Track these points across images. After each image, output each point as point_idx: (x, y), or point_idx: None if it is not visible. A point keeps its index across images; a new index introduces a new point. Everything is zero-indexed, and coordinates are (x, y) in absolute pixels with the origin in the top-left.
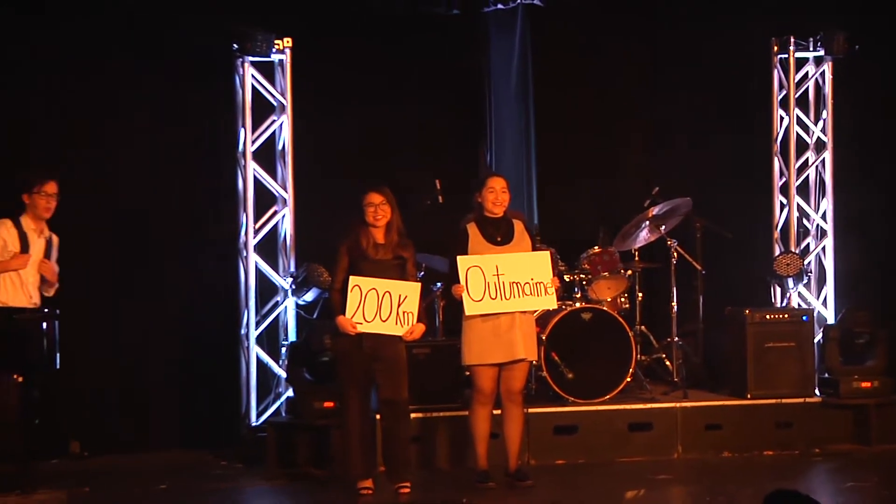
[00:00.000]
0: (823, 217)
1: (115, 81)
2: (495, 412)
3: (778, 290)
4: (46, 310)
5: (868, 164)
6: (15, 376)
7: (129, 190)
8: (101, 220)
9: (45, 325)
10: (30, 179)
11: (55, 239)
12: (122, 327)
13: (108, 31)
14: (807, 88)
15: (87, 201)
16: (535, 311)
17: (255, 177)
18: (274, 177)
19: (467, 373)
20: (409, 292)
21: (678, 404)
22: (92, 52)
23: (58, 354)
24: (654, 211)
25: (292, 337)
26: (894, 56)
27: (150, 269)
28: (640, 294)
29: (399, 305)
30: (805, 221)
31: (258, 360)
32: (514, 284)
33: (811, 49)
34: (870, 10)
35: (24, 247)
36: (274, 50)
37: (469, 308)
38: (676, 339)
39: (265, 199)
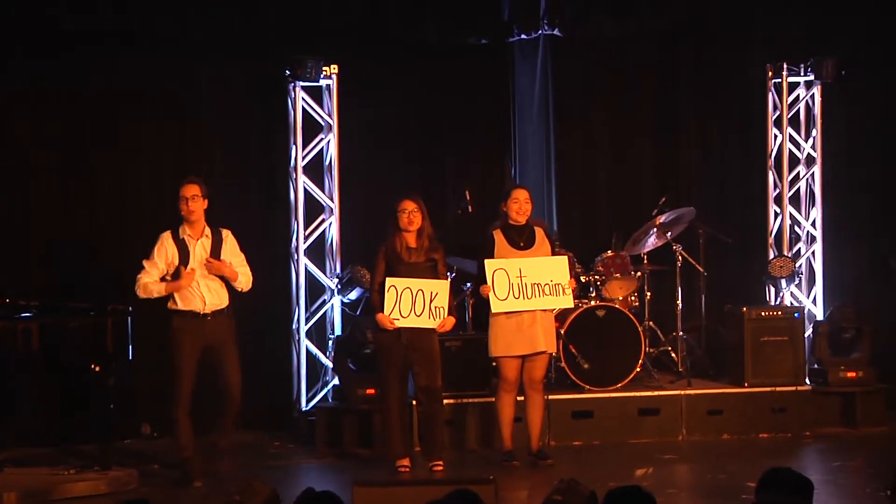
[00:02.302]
0: (813, 224)
1: (192, 98)
2: (519, 399)
3: (772, 289)
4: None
5: (853, 177)
6: (94, 366)
7: None
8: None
9: (119, 320)
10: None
11: (225, 234)
12: None
13: (188, 55)
14: (798, 109)
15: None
16: (555, 309)
17: (304, 188)
18: (322, 188)
19: (494, 363)
20: (440, 289)
21: (683, 392)
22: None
23: (130, 346)
24: (662, 219)
25: (338, 331)
26: (878, 80)
27: None
28: (649, 293)
29: (431, 301)
30: (797, 228)
31: (308, 352)
32: (536, 285)
33: (802, 74)
34: (857, 39)
35: (184, 255)
36: (322, 75)
37: (495, 306)
38: (681, 333)
39: (314, 209)
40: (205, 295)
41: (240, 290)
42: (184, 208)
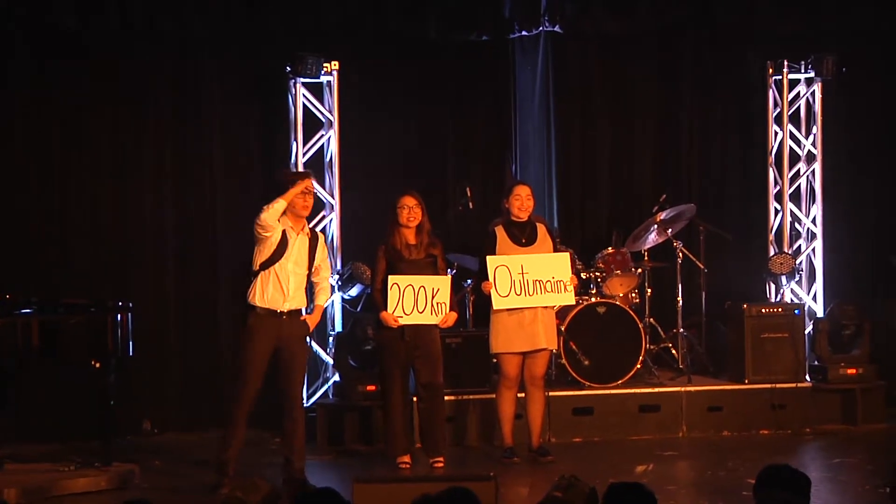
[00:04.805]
0: (813, 221)
1: (191, 96)
2: (519, 395)
3: (772, 286)
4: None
5: (853, 174)
6: (94, 362)
7: (198, 195)
8: (178, 225)
9: (119, 317)
10: (288, 177)
11: (320, 235)
12: (189, 318)
13: (187, 53)
14: (799, 106)
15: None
16: (556, 306)
17: None
18: (322, 185)
19: (495, 360)
20: (441, 285)
21: (683, 388)
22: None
23: (131, 343)
24: (662, 216)
25: (339, 328)
26: (879, 76)
27: (210, 266)
28: (649, 290)
29: (433, 297)
30: (797, 225)
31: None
32: (537, 282)
33: (803, 71)
34: (858, 35)
35: (283, 245)
36: (323, 72)
37: (496, 303)
38: (682, 330)
39: (315, 206)
40: (289, 291)
41: (326, 300)
42: (299, 201)
